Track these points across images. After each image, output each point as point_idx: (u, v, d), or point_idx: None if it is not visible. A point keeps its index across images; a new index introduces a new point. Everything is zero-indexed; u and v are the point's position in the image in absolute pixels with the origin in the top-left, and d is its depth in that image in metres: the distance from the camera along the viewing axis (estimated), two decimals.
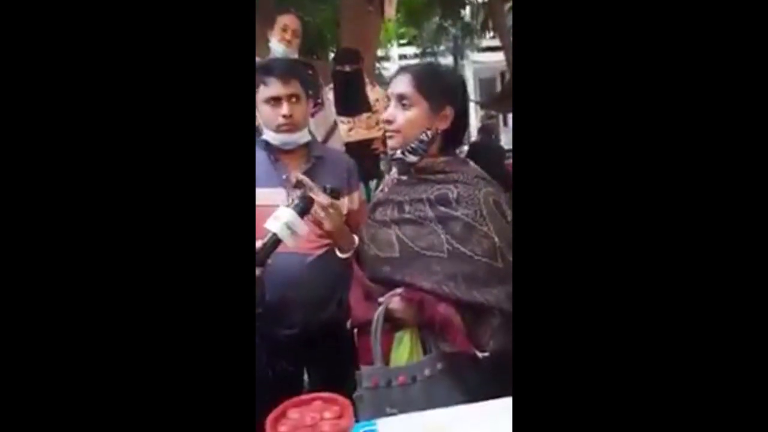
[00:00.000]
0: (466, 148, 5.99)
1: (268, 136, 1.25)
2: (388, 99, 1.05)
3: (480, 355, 0.92)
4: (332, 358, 1.26)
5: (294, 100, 1.24)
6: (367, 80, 2.28)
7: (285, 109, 1.22)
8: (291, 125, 1.24)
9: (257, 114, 1.26)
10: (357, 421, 0.73)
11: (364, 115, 2.19)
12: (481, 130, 6.87)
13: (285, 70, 1.26)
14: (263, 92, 1.23)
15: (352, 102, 2.16)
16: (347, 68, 2.14)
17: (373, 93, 2.26)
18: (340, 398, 0.69)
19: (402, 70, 1.06)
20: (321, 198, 1.05)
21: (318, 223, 1.05)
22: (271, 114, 1.23)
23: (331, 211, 1.05)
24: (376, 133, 2.20)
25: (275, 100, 1.22)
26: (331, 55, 4.43)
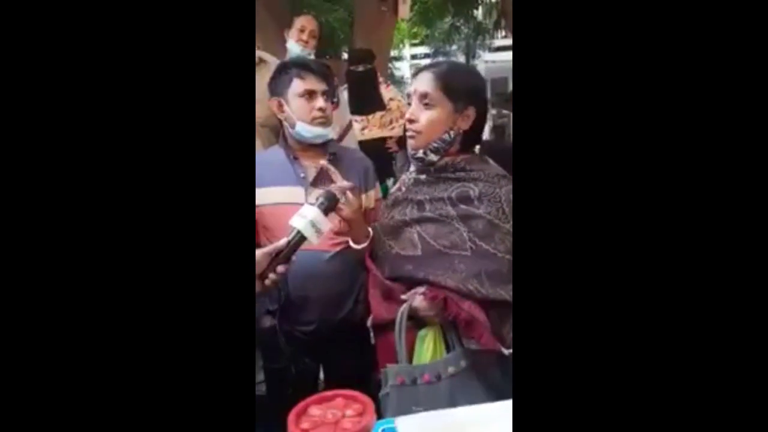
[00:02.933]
0: (478, 147, 5.97)
1: (302, 128, 1.25)
2: (410, 97, 1.04)
3: (506, 352, 0.92)
4: (349, 355, 1.27)
5: (326, 96, 1.27)
6: (380, 79, 2.28)
7: (320, 102, 1.24)
8: (325, 119, 1.26)
9: (287, 108, 1.27)
10: (379, 418, 0.74)
11: (378, 114, 2.19)
12: (494, 130, 6.82)
13: (317, 67, 1.29)
14: (299, 86, 1.25)
15: (366, 101, 2.17)
16: (361, 68, 2.15)
17: (386, 92, 2.27)
18: (362, 396, 0.70)
19: (425, 68, 1.06)
20: (342, 184, 1.05)
21: (339, 211, 1.05)
22: (306, 107, 1.24)
23: (351, 197, 1.05)
24: (389, 132, 2.21)
25: (310, 94, 1.24)
26: (344, 54, 4.44)
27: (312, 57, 1.99)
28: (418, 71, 1.07)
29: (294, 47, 1.96)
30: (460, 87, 1.01)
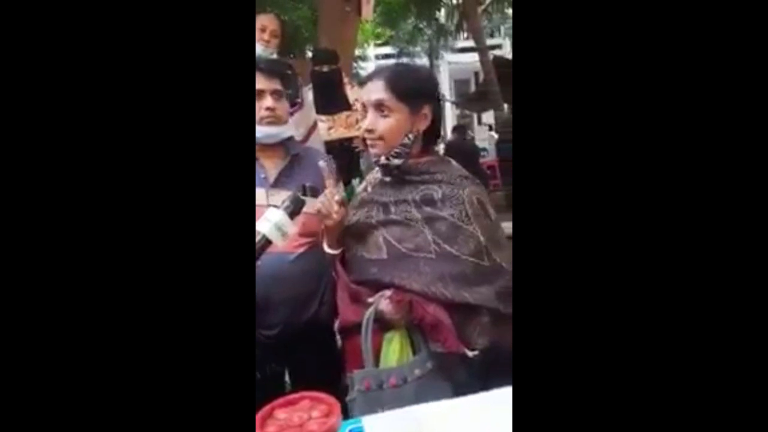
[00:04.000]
0: (442, 146, 6.08)
1: None
2: (364, 106, 1.03)
3: (470, 354, 0.94)
4: (315, 358, 1.26)
5: (276, 95, 1.24)
6: (345, 80, 2.27)
7: (269, 101, 1.22)
8: (274, 118, 1.23)
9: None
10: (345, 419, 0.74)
11: (344, 114, 2.18)
12: (456, 130, 6.96)
13: (268, 66, 1.27)
14: None
15: (332, 101, 2.15)
16: (325, 68, 2.13)
17: (352, 92, 2.25)
18: (328, 397, 0.70)
19: (374, 75, 1.05)
20: (334, 192, 1.03)
21: (322, 215, 1.03)
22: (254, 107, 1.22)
23: (341, 207, 1.03)
24: (355, 132, 2.20)
25: (258, 94, 1.22)
26: (309, 54, 4.41)
27: (275, 56, 1.96)
28: (366, 79, 1.06)
29: (255, 46, 1.93)
30: (412, 88, 1.01)
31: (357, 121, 2.21)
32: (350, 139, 2.18)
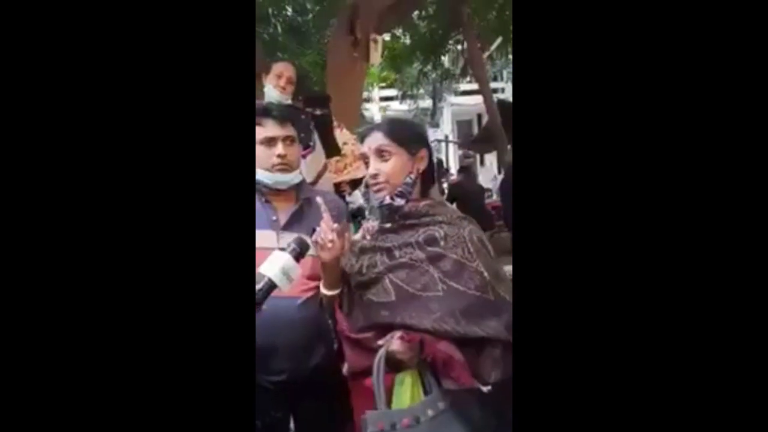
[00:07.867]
0: (445, 185, 6.14)
1: (261, 175, 1.26)
2: (366, 157, 1.11)
3: (484, 389, 0.94)
4: (320, 405, 1.23)
5: (288, 142, 1.27)
6: (335, 123, 2.24)
7: (280, 148, 1.25)
8: (285, 165, 1.26)
9: None
10: None
11: (334, 160, 2.15)
12: (460, 171, 7.02)
13: (281, 113, 1.30)
14: (259, 133, 1.26)
15: (323, 146, 2.08)
16: (318, 111, 2.10)
17: (340, 136, 2.23)
18: None
19: (372, 129, 1.15)
20: (330, 224, 1.07)
21: (318, 246, 1.05)
22: (266, 154, 1.25)
23: (335, 242, 1.06)
24: (344, 177, 2.17)
25: (270, 141, 1.25)
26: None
27: (289, 102, 2.01)
28: (364, 134, 1.15)
29: (271, 92, 1.99)
30: (408, 135, 1.12)
31: (345, 167, 2.20)
32: (339, 184, 2.16)
